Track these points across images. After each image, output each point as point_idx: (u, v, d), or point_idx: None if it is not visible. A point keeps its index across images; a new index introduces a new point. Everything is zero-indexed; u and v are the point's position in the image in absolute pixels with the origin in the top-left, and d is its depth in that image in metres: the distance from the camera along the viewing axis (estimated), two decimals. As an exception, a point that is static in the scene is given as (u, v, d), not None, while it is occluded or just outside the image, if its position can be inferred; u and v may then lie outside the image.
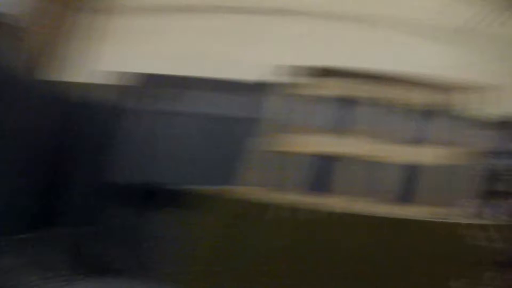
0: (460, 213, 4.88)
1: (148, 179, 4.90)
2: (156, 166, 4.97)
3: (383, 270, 4.38)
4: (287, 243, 4.40)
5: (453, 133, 5.29)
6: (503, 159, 5.58)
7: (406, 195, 5.05)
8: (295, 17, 6.10)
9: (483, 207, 5.12)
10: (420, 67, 5.60)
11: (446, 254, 4.50)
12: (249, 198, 4.62)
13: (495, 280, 4.62)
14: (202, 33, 5.83)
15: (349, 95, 5.21)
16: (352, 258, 4.38)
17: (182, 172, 4.91)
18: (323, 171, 5.08)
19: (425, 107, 5.35)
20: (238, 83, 5.36)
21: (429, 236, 4.57)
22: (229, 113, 5.29)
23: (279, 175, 4.92)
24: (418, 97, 5.32)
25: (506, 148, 5.83)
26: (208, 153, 5.07)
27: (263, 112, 5.12)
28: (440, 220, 4.78)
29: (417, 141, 5.23)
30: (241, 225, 4.46)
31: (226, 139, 5.09)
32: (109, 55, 5.72)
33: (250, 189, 4.72)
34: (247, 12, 5.92)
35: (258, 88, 5.27)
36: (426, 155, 5.19)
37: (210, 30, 5.85)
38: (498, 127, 5.68)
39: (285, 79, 5.15)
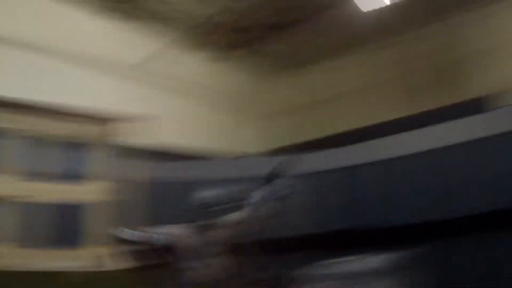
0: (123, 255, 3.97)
1: None
2: None
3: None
4: None
5: (110, 167, 4.89)
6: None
7: (63, 238, 4.46)
8: None
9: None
10: (86, 100, 5.20)
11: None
12: None
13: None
14: None
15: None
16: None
17: None
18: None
19: (81, 141, 4.93)
20: None
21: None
22: None
23: None
24: (74, 130, 4.90)
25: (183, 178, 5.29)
26: None
27: None
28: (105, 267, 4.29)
29: (73, 176, 4.73)
30: None
31: None
32: None
33: None
34: None
35: None
36: (83, 191, 4.73)
37: None
38: (161, 157, 5.30)
39: None
